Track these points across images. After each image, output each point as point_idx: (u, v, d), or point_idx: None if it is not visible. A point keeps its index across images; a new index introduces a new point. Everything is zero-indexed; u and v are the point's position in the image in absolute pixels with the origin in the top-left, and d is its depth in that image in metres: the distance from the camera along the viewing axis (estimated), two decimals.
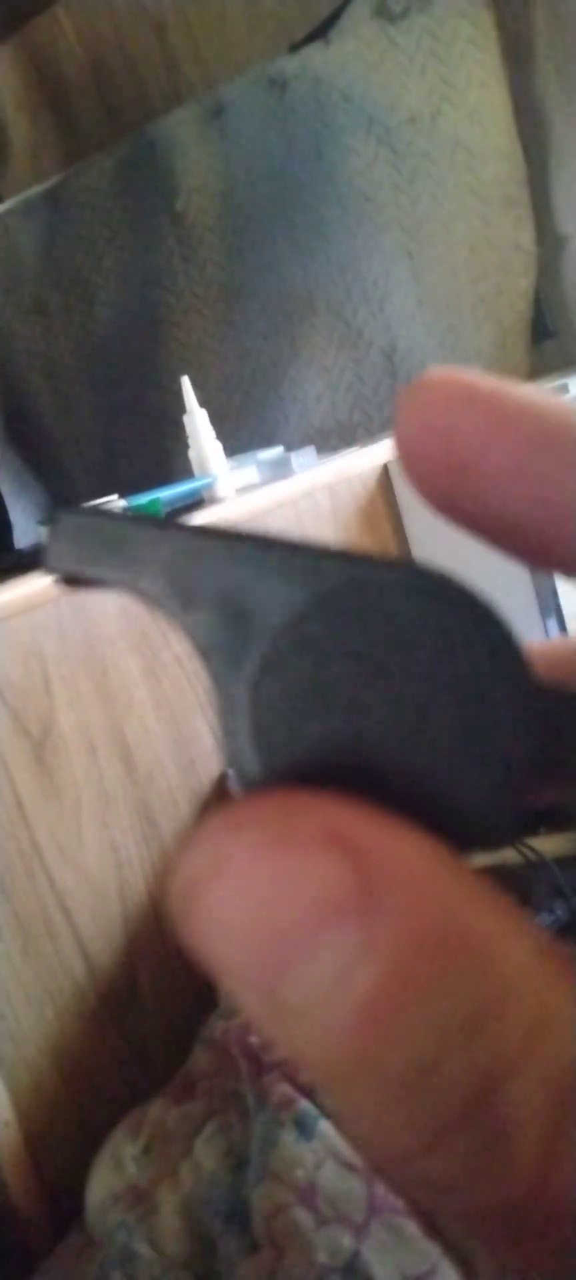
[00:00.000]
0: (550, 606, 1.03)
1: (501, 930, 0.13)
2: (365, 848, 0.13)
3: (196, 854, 0.13)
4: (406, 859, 0.13)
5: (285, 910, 0.13)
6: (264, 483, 1.14)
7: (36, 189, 1.56)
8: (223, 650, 0.15)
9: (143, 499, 1.00)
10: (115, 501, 0.99)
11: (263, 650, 0.15)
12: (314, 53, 1.44)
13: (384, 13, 1.41)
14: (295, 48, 1.47)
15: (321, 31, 1.45)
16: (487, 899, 0.13)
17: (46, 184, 1.56)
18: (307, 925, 0.13)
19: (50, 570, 0.16)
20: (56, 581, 0.16)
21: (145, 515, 0.16)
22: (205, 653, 0.15)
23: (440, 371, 0.17)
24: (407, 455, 0.17)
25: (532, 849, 0.89)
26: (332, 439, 1.48)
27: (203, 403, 1.09)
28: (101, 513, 0.16)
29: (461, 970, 0.12)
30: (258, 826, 0.13)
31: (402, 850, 0.13)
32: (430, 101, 1.43)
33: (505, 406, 0.16)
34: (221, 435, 1.10)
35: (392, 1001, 0.12)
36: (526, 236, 1.44)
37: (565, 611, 1.04)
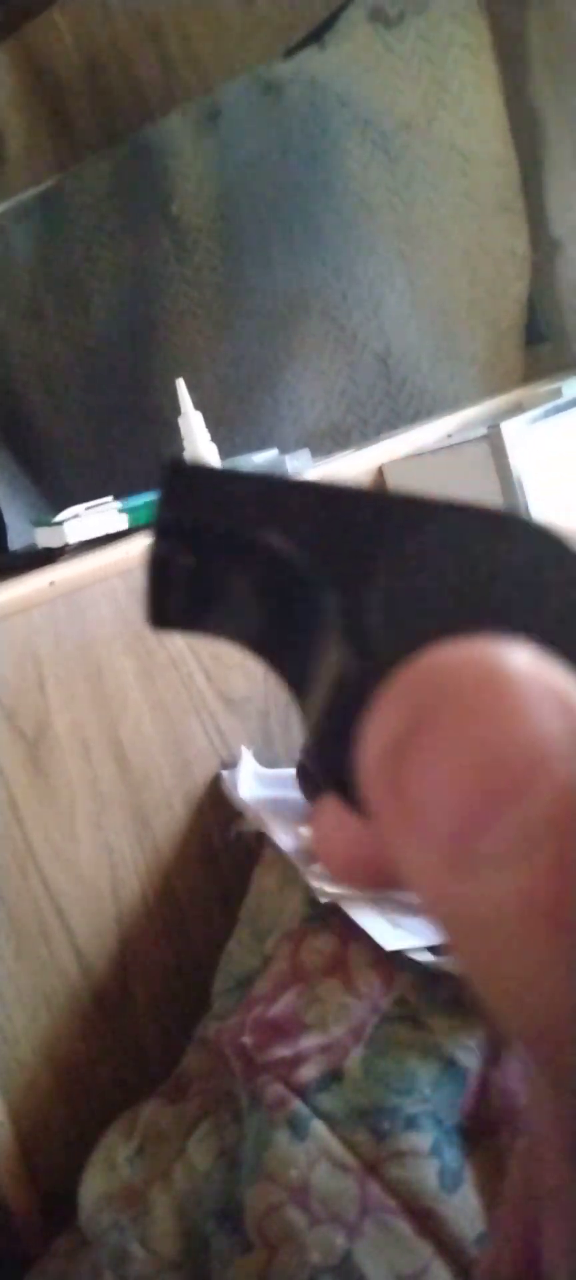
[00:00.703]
0: None
1: None
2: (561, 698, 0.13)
3: (393, 711, 0.13)
4: None
5: (505, 750, 0.13)
6: None
7: (32, 191, 1.56)
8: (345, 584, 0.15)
9: (138, 501, 1.01)
10: (110, 503, 1.00)
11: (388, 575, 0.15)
12: (309, 57, 1.44)
13: (379, 17, 1.41)
14: (290, 52, 1.47)
15: (317, 35, 1.45)
16: None
17: (42, 186, 1.56)
18: (524, 766, 0.13)
19: (164, 527, 0.16)
20: (150, 620, 0.16)
21: (255, 474, 0.16)
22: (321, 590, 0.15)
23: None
24: None
25: None
26: (327, 441, 1.48)
27: (198, 405, 1.09)
28: (212, 468, 0.16)
29: None
30: (461, 680, 0.13)
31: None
32: (425, 106, 1.43)
33: None
34: (216, 437, 1.10)
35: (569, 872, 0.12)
36: (520, 241, 1.44)
37: None
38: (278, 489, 0.16)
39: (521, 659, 0.13)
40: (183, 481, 0.16)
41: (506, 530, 0.15)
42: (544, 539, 0.15)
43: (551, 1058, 0.13)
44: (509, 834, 0.13)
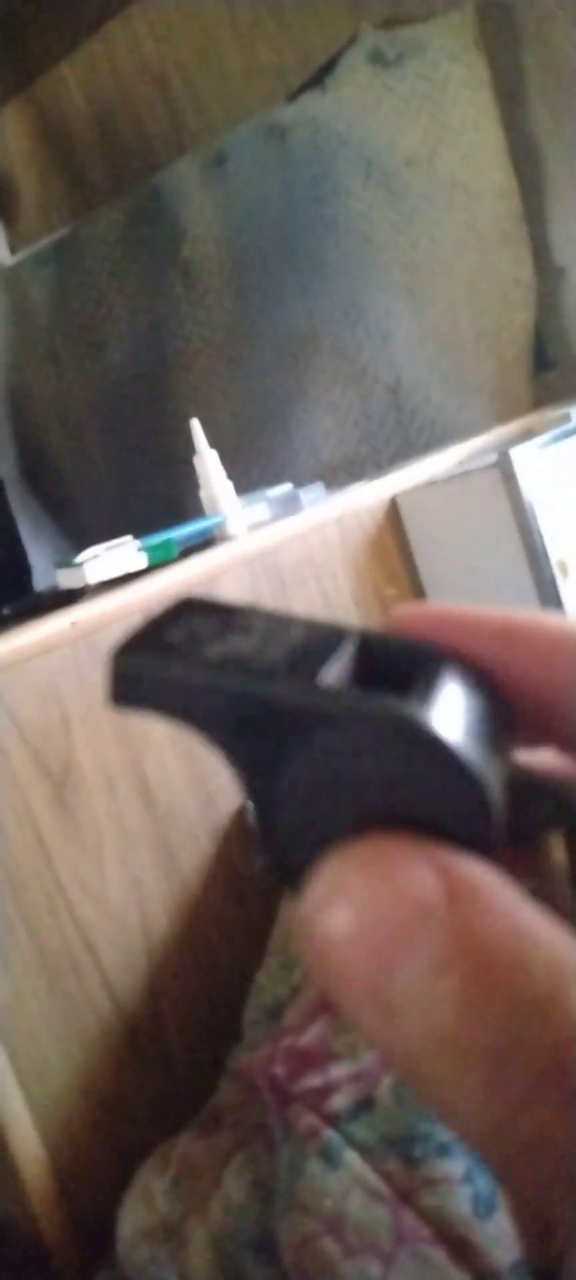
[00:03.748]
0: (553, 606, 1.05)
1: (558, 936, 0.15)
2: (449, 865, 0.16)
3: (317, 884, 0.17)
4: (479, 875, 0.16)
5: (391, 913, 0.15)
6: (274, 519, 1.15)
7: (46, 241, 1.59)
8: (260, 771, 0.18)
9: (156, 539, 1.02)
10: (129, 542, 1.01)
11: (292, 771, 0.18)
12: (311, 100, 1.47)
13: (378, 59, 1.44)
14: (293, 96, 1.49)
15: (318, 79, 1.47)
16: (542, 908, 0.16)
17: (56, 235, 1.58)
18: (409, 924, 0.15)
19: (114, 705, 0.19)
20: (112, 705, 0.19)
21: (190, 659, 0.19)
22: (246, 774, 0.18)
23: (407, 606, 0.21)
24: None
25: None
26: (341, 474, 1.50)
27: (212, 443, 1.11)
28: (149, 658, 0.19)
29: (533, 961, 0.15)
30: (365, 857, 0.16)
31: (475, 870, 0.16)
32: (426, 144, 1.45)
33: (464, 619, 0.20)
34: (232, 474, 1.12)
35: (479, 988, 0.15)
36: (525, 270, 1.46)
37: (567, 611, 1.05)
38: (197, 691, 0.18)
39: (398, 845, 0.16)
40: (124, 677, 0.19)
41: (381, 735, 0.17)
42: (402, 740, 0.17)
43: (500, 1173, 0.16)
44: (404, 980, 0.15)
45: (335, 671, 0.18)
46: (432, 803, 0.17)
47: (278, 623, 0.20)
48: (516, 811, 0.17)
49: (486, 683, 0.19)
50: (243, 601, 0.21)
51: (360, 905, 0.16)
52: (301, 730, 0.17)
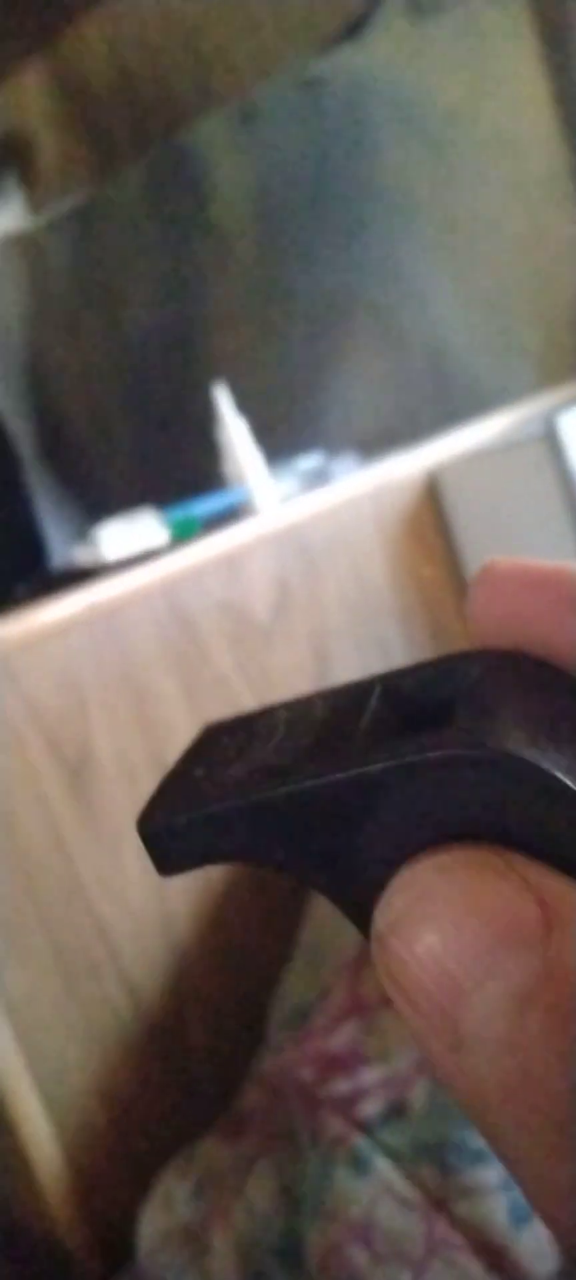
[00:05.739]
0: None
1: None
2: (545, 888, 0.15)
3: (396, 895, 0.16)
4: (570, 895, 0.15)
5: (478, 935, 0.14)
6: (304, 491, 1.13)
7: (67, 204, 1.59)
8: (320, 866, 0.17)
9: (178, 513, 0.99)
10: (150, 515, 0.99)
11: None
12: (346, 53, 1.46)
13: (416, 8, 1.43)
14: (327, 49, 1.48)
15: (353, 31, 1.46)
16: None
17: (77, 199, 1.59)
18: (497, 949, 0.14)
19: (163, 875, 0.18)
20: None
21: (217, 790, 0.18)
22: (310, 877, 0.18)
23: (505, 561, 0.20)
24: (483, 640, 0.19)
25: None
26: (376, 444, 1.48)
27: (241, 411, 1.08)
28: (177, 812, 0.18)
29: None
30: (452, 871, 0.15)
31: (566, 888, 0.15)
32: (467, 96, 1.43)
33: (568, 587, 0.18)
34: (262, 442, 1.09)
35: (563, 1023, 0.13)
36: (573, 228, 1.43)
37: None
38: (232, 820, 0.17)
39: (489, 860, 0.15)
40: (160, 846, 0.18)
41: (439, 775, 0.16)
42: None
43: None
44: (480, 1010, 0.14)
45: (366, 731, 0.17)
46: (520, 823, 0.16)
47: (298, 706, 0.19)
48: None
49: (538, 664, 0.18)
50: (263, 705, 0.20)
51: (444, 922, 0.15)
52: (346, 806, 0.16)
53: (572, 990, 0.14)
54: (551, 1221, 0.14)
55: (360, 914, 0.17)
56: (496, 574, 0.19)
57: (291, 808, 0.17)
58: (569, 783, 0.15)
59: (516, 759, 0.15)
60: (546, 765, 0.15)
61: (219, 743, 0.19)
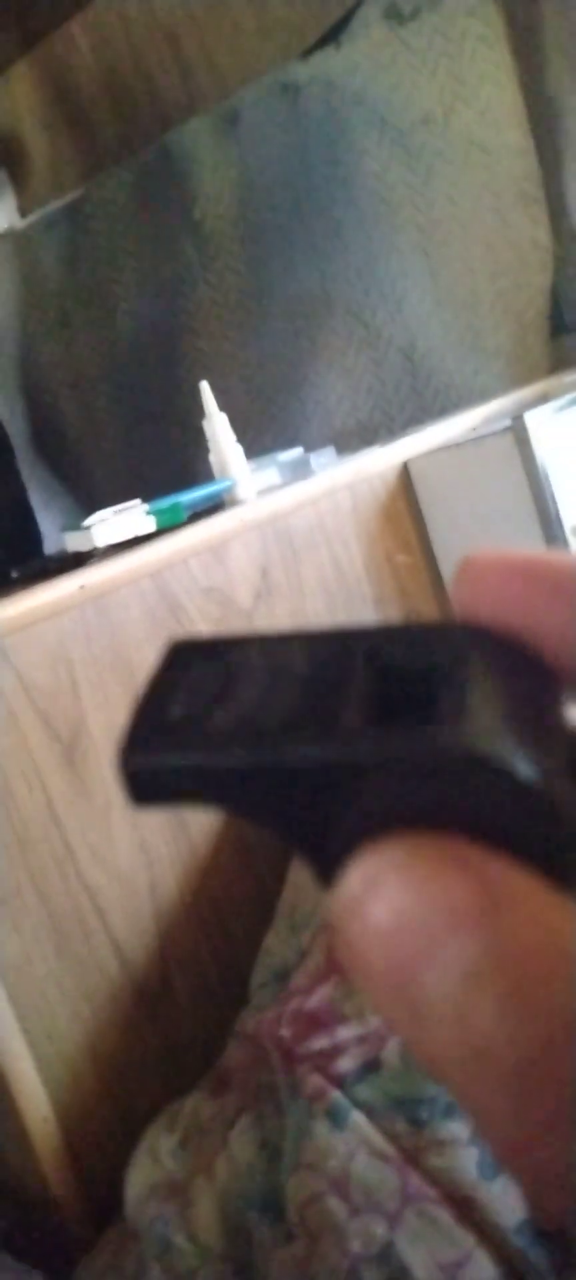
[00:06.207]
0: None
1: None
2: (486, 870, 0.15)
3: (351, 878, 0.16)
4: (523, 886, 0.15)
5: (422, 918, 0.15)
6: (284, 484, 1.14)
7: (57, 203, 1.58)
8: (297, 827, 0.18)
9: (165, 503, 1.01)
10: (138, 506, 1.01)
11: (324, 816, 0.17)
12: (325, 57, 1.45)
13: (394, 14, 1.41)
14: (307, 53, 1.47)
15: (332, 35, 1.45)
16: None
17: (66, 198, 1.57)
18: (439, 932, 0.15)
19: (137, 807, 0.18)
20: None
21: (201, 736, 0.18)
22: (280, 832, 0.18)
23: (484, 553, 0.19)
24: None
25: None
26: (353, 439, 1.49)
27: (223, 407, 1.10)
28: (160, 750, 0.18)
29: (566, 980, 0.14)
30: (401, 854, 0.16)
31: (518, 879, 0.15)
32: (442, 101, 1.43)
33: (547, 575, 0.19)
34: (243, 439, 1.11)
35: (511, 1004, 0.14)
36: (542, 232, 1.43)
37: None
38: (218, 776, 0.17)
39: (436, 847, 0.16)
40: (138, 779, 0.18)
41: (420, 768, 0.16)
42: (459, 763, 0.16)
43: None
44: (431, 983, 0.15)
45: (353, 706, 0.17)
46: (488, 816, 0.16)
47: (277, 651, 0.19)
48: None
49: (518, 646, 0.18)
50: (233, 634, 0.19)
51: (391, 906, 0.15)
52: (331, 784, 0.17)
53: (520, 969, 0.14)
54: (515, 1174, 0.15)
55: (330, 881, 0.17)
56: (477, 566, 0.19)
57: (278, 776, 0.17)
58: (543, 789, 0.16)
59: (499, 769, 0.16)
60: (524, 773, 0.16)
61: (193, 670, 0.19)
